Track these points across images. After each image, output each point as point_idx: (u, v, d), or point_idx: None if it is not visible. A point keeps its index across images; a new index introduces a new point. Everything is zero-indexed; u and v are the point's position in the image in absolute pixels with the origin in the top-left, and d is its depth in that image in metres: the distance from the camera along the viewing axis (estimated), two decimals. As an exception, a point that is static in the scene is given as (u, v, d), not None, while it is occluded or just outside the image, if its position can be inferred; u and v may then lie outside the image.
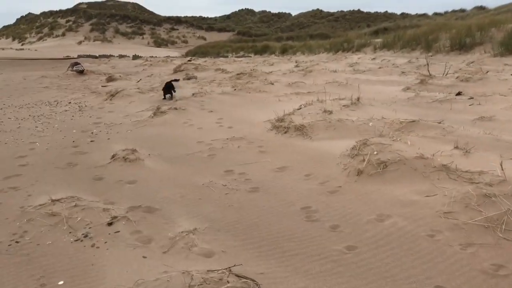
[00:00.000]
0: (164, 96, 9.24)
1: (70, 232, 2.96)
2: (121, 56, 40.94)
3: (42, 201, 3.53)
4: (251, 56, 33.31)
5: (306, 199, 3.37)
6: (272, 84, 9.22)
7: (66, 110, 8.96)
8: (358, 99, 6.64)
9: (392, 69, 13.07)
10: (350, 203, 3.23)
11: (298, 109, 6.23)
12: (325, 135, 5.04)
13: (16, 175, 4.58)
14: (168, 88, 9.36)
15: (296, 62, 20.68)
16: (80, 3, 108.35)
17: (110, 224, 3.02)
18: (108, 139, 6.13)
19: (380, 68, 13.44)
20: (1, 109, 9.58)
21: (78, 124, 7.44)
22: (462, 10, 48.71)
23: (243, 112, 7.23)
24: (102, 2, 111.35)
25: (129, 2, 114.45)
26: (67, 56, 41.41)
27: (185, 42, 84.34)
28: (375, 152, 3.74)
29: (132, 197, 3.67)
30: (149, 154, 5.02)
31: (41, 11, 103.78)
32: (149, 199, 3.58)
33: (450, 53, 15.68)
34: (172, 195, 3.68)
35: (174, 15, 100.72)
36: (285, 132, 5.34)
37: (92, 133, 6.61)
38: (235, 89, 9.04)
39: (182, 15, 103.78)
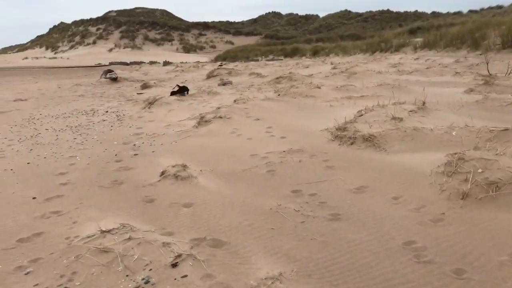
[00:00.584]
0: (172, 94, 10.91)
1: (127, 276, 2.45)
2: (151, 63, 41.19)
3: (90, 231, 3.05)
4: (282, 59, 32.75)
5: (405, 231, 2.77)
6: (319, 88, 8.62)
7: (104, 120, 8.61)
8: (423, 103, 5.98)
9: (441, 69, 12.25)
10: (465, 237, 2.60)
11: (359, 116, 5.61)
12: (402, 147, 4.41)
13: (58, 196, 4.15)
14: (182, 90, 11.03)
15: (331, 64, 20.01)
16: (109, 11, 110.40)
17: (174, 265, 2.49)
18: (153, 152, 5.67)
19: (427, 68, 12.63)
20: (38, 119, 9.33)
21: (118, 135, 7.04)
22: (499, 7, 46.91)
23: (292, 119, 6.66)
24: (130, 9, 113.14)
25: (157, 9, 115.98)
26: (99, 64, 42.00)
27: (213, 47, 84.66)
28: (479, 170, 3.11)
29: (192, 225, 3.15)
30: (200, 170, 4.52)
31: (73, 20, 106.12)
32: (212, 229, 3.05)
33: (502, 51, 14.68)
34: (238, 222, 3.14)
35: (201, 21, 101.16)
36: (352, 143, 4.72)
37: (134, 145, 6.17)
38: (279, 95, 8.48)
39: (209, 21, 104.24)
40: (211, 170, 4.53)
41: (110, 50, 74.94)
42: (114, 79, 18.70)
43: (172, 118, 8.05)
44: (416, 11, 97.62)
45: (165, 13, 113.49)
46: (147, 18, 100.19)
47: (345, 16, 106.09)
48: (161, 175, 4.37)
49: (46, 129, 8.04)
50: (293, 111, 7.21)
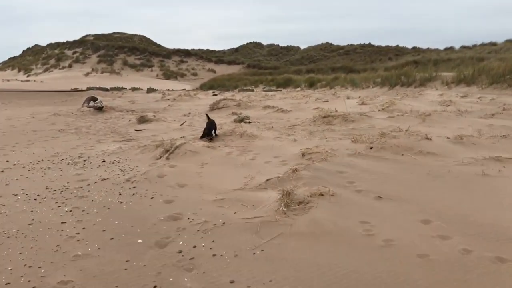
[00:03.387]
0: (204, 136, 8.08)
1: None
2: (134, 89, 38.27)
3: None
4: (280, 90, 30.33)
5: None
6: (429, 139, 5.93)
7: (104, 179, 5.67)
8: None
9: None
10: None
11: None
12: None
13: None
14: (209, 130, 8.18)
15: (348, 98, 17.54)
16: (86, 35, 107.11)
17: None
18: (232, 282, 2.80)
19: (505, 110, 10.18)
20: (3, 171, 6.32)
21: (139, 218, 4.13)
22: (493, 44, 46.22)
23: (453, 203, 3.89)
24: (108, 34, 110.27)
25: (136, 35, 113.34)
26: (75, 88, 38.64)
27: (195, 74, 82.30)
28: None
29: None
30: None
31: (48, 43, 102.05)
32: None
33: None
34: None
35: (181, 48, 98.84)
36: None
37: (181, 253, 3.28)
38: (371, 148, 5.75)
39: (189, 48, 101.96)
40: None
41: (87, 74, 71.25)
42: (100, 109, 15.70)
43: (215, 181, 5.18)
44: (398, 45, 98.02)
45: (144, 39, 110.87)
46: (126, 43, 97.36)
47: (327, 48, 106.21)
48: None
49: (14, 195, 5.06)
50: (427, 183, 4.43)
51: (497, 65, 16.16)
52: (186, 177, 5.49)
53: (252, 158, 6.14)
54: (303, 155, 5.69)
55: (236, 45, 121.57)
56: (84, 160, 7.03)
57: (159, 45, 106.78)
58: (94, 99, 16.87)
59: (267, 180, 4.70)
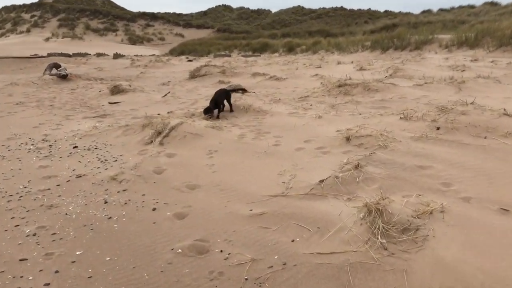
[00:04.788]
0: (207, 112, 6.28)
1: None
2: (99, 55, 35.66)
3: None
4: (259, 55, 28.59)
5: None
6: (509, 116, 4.61)
7: (79, 175, 4.14)
8: None
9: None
10: None
11: None
12: None
13: None
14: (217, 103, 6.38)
15: (339, 63, 16.14)
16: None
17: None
18: None
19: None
20: None
21: (140, 249, 2.69)
22: (472, 6, 45.37)
23: None
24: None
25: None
26: (35, 55, 35.62)
27: (162, 39, 78.71)
28: None
29: None
30: None
31: (3, 6, 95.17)
32: None
33: None
34: None
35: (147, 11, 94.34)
36: None
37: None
38: (438, 128, 4.41)
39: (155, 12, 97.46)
40: None
41: (47, 39, 66.71)
42: (64, 77, 13.73)
43: (238, 179, 3.74)
44: (369, 9, 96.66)
45: (107, 2, 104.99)
46: (88, 6, 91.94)
47: (298, 12, 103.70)
48: None
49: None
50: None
51: (505, 26, 14.99)
52: (194, 173, 4.02)
53: (276, 143, 4.70)
54: (347, 139, 4.30)
55: (204, 8, 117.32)
56: (50, 145, 5.45)
57: (123, 8, 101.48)
58: (57, 66, 14.86)
59: (320, 181, 3.29)
